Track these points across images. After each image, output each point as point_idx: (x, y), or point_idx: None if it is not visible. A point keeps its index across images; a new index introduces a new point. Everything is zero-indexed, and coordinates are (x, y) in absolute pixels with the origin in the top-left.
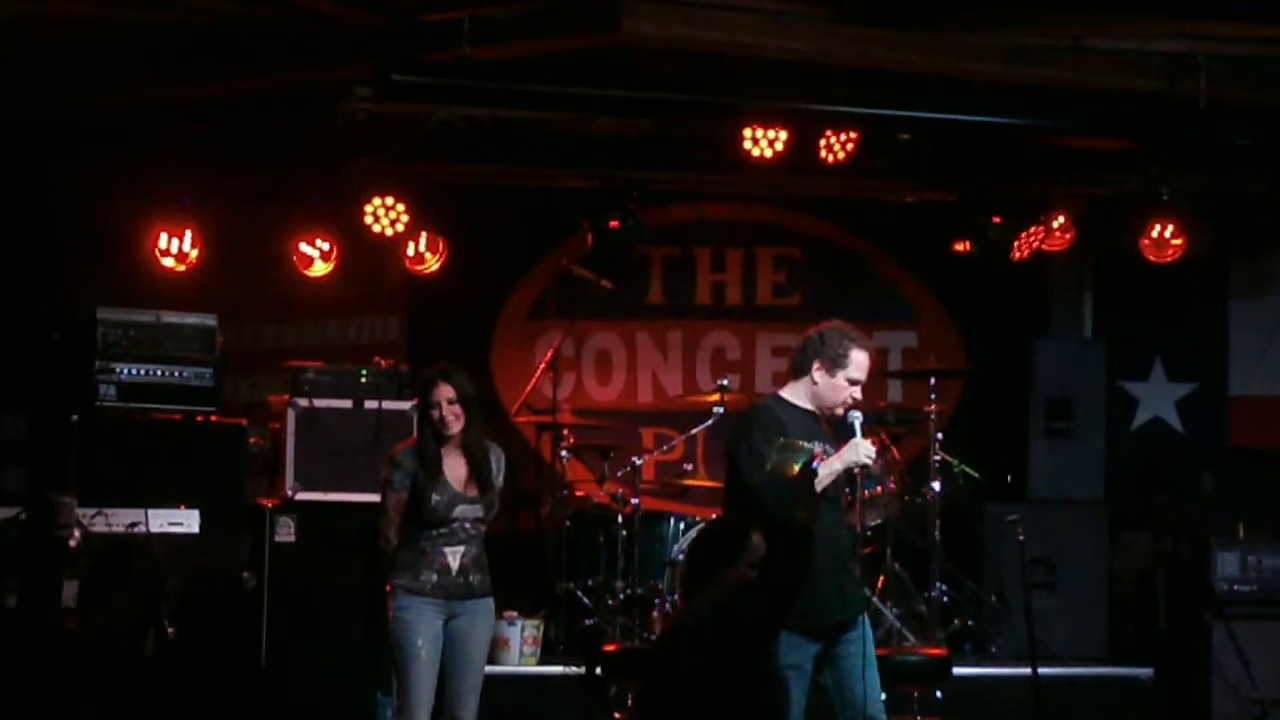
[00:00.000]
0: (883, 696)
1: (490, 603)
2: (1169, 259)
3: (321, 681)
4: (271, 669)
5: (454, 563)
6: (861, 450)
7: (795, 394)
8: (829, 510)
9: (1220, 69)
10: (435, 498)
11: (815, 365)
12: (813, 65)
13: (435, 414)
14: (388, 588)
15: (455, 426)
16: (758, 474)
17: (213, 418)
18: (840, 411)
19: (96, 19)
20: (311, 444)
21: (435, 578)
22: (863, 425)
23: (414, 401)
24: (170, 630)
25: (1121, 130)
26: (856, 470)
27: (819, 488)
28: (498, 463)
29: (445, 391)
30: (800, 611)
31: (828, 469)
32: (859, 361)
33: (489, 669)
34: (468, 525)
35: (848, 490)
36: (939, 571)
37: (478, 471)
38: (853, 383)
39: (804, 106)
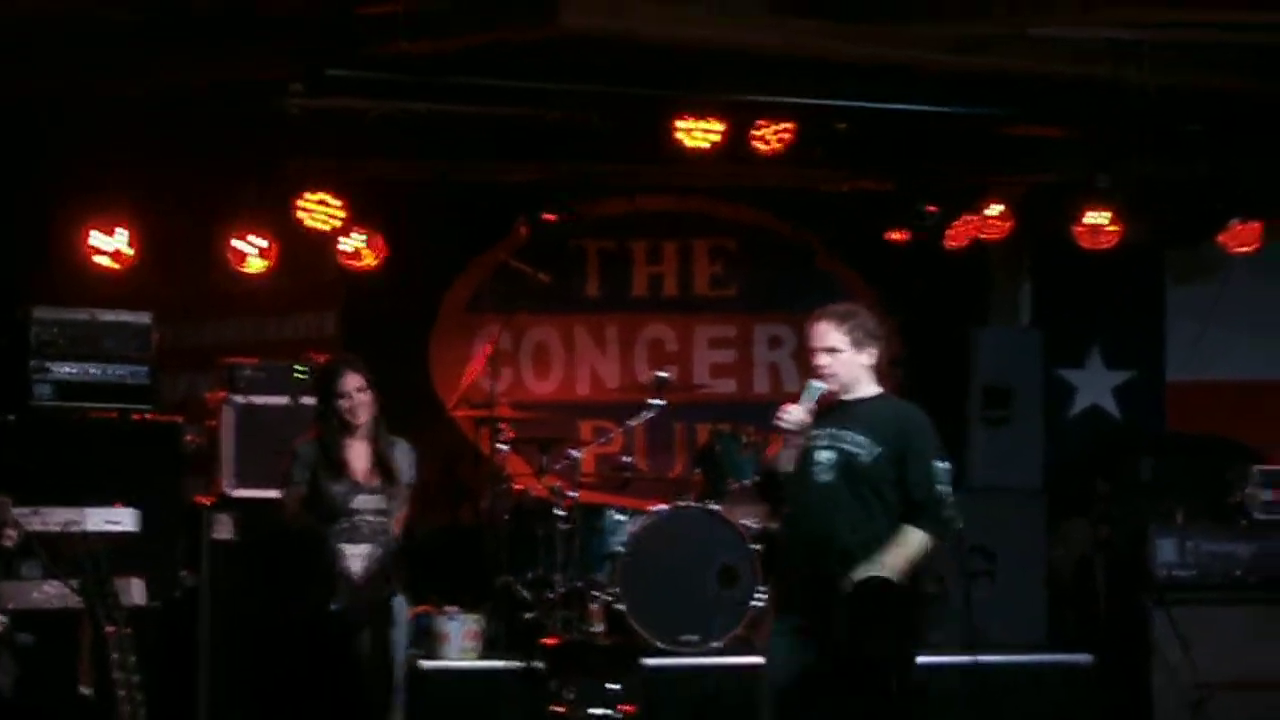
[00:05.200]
0: None
1: (401, 601)
2: (1105, 246)
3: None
4: (210, 666)
5: (357, 566)
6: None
7: None
8: None
9: (1161, 54)
10: (335, 488)
11: None
12: (749, 56)
13: (345, 403)
14: None
15: (364, 415)
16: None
17: (149, 415)
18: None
19: (22, 16)
20: (248, 441)
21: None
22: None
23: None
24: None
25: (1065, 118)
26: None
27: None
28: (405, 457)
29: (354, 380)
30: None
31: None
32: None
33: (429, 664)
34: (370, 519)
35: None
36: None
37: (382, 462)
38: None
39: (740, 98)
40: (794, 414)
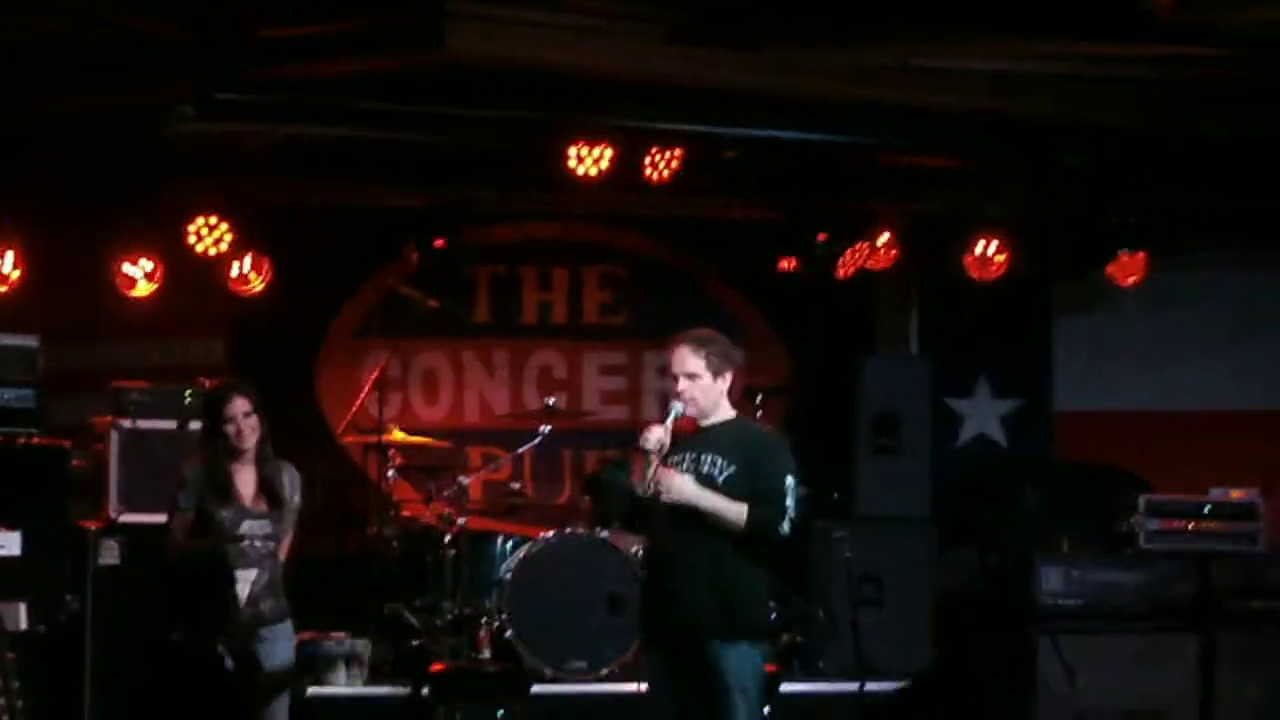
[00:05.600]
0: None
1: (287, 626)
2: (993, 276)
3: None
4: (95, 693)
5: (243, 591)
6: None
7: None
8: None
9: (1043, 87)
10: (222, 513)
11: None
12: (639, 83)
13: (231, 428)
14: None
15: (251, 439)
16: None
17: (34, 439)
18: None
19: None
20: (135, 465)
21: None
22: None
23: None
24: None
25: (949, 148)
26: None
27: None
28: (291, 481)
29: (241, 405)
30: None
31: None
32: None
33: (316, 690)
34: (258, 544)
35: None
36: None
37: (269, 486)
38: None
39: (629, 124)
40: (656, 434)
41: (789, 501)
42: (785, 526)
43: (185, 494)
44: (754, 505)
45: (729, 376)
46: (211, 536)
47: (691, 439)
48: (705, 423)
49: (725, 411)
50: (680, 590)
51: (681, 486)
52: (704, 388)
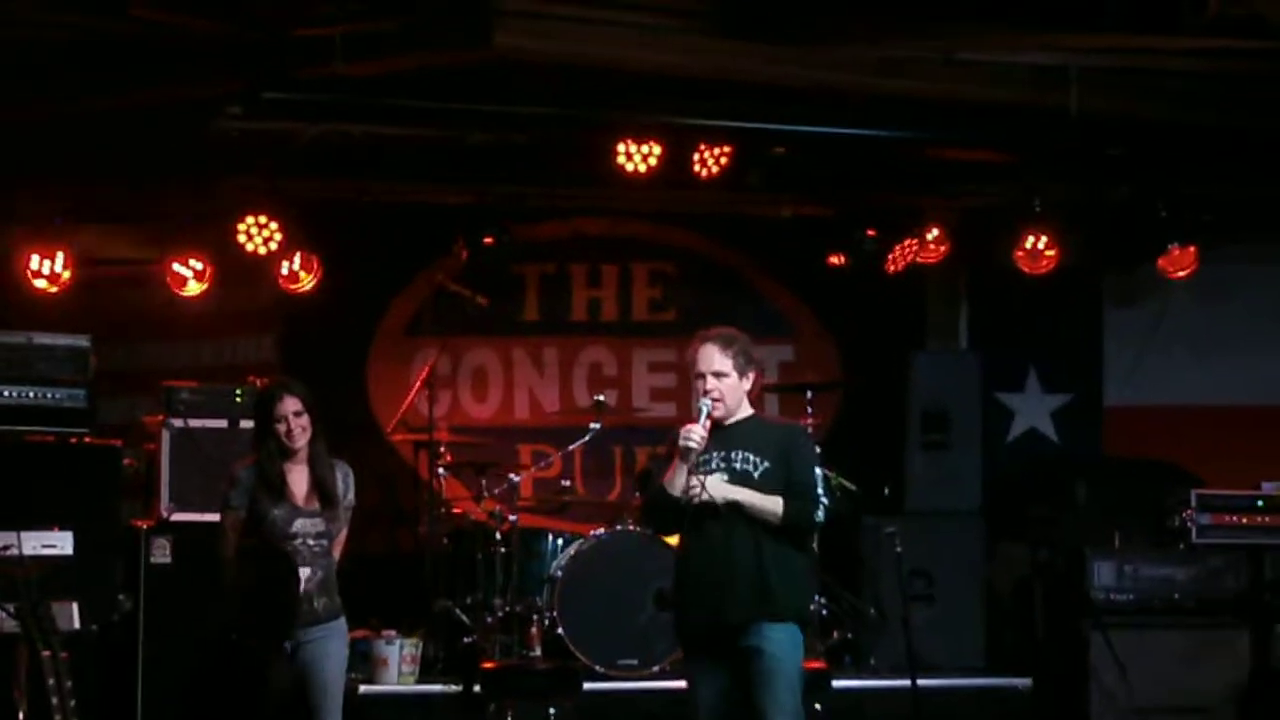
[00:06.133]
0: None
1: (341, 624)
2: (1043, 270)
3: (198, 702)
4: (147, 691)
5: (299, 590)
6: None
7: None
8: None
9: (1090, 80)
10: (274, 512)
11: None
12: (686, 79)
13: (282, 428)
14: None
15: (302, 440)
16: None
17: (86, 439)
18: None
19: None
20: (186, 464)
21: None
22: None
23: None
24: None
25: (992, 141)
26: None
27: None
28: (344, 479)
29: (291, 404)
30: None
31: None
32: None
33: (368, 689)
34: (310, 543)
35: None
36: (817, 584)
37: (321, 485)
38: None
39: (676, 120)
40: (698, 432)
41: (820, 490)
42: (820, 514)
43: (237, 493)
44: (788, 497)
45: (752, 376)
46: (263, 535)
47: (717, 438)
48: (728, 421)
49: (746, 409)
50: (721, 585)
51: (714, 486)
52: (731, 386)
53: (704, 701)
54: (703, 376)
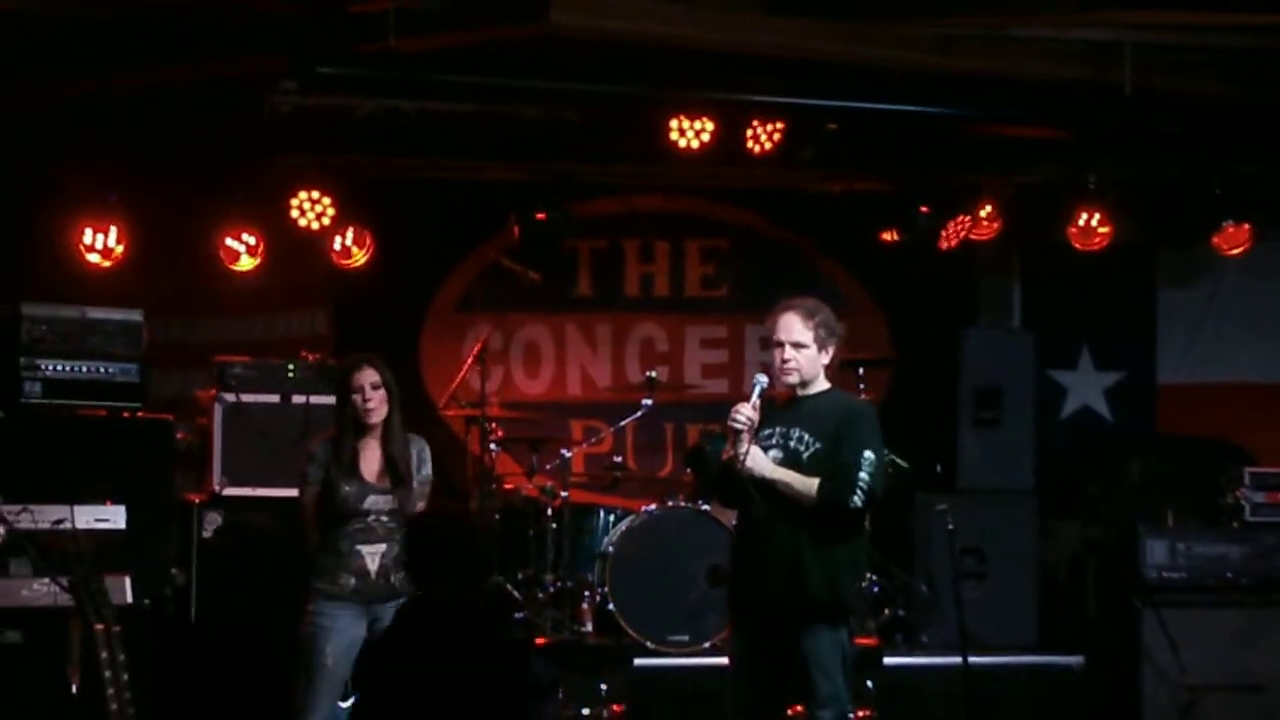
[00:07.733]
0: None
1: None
2: (1096, 247)
3: (250, 677)
4: (200, 664)
5: (373, 564)
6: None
7: None
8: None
9: (1145, 57)
10: (345, 488)
11: None
12: (739, 55)
13: (358, 399)
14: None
15: (379, 414)
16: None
17: (139, 413)
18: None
19: (8, 14)
20: (239, 439)
21: (354, 581)
22: (758, 388)
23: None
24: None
25: (1046, 118)
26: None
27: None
28: (419, 455)
29: (369, 376)
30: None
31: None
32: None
33: None
34: (384, 519)
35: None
36: (867, 564)
37: (392, 464)
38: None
39: (730, 97)
40: (745, 412)
41: (863, 474)
42: (857, 499)
43: (314, 467)
44: (825, 480)
45: (831, 350)
46: (335, 510)
47: (783, 412)
48: (802, 393)
49: (821, 383)
50: (765, 565)
51: (757, 459)
52: (809, 357)
53: (740, 677)
54: (781, 345)
